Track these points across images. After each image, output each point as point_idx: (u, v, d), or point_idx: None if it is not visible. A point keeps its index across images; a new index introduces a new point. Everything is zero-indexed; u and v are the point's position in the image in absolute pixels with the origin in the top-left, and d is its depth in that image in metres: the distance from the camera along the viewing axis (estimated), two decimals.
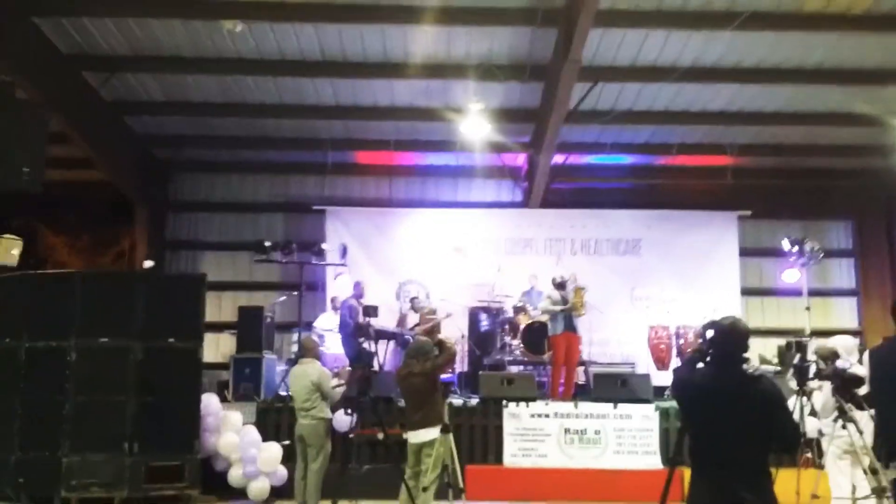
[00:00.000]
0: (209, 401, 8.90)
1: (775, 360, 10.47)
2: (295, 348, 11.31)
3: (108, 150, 11.88)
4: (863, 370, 6.44)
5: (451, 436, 5.82)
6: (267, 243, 11.45)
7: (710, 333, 3.87)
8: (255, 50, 10.00)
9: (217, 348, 12.36)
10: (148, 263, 10.99)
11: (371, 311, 9.84)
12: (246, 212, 13.57)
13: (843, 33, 9.35)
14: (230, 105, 11.45)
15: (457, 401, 9.37)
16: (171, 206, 13.65)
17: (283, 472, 8.43)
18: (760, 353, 10.89)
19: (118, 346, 8.32)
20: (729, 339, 3.77)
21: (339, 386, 7.38)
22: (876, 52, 9.69)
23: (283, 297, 11.89)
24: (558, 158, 12.24)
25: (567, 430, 9.13)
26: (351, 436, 6.59)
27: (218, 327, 12.15)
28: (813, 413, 6.86)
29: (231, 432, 8.69)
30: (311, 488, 7.11)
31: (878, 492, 5.18)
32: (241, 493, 8.48)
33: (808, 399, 6.60)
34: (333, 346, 11.16)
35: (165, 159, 13.35)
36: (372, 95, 11.19)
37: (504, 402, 9.20)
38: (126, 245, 15.16)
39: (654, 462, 9.04)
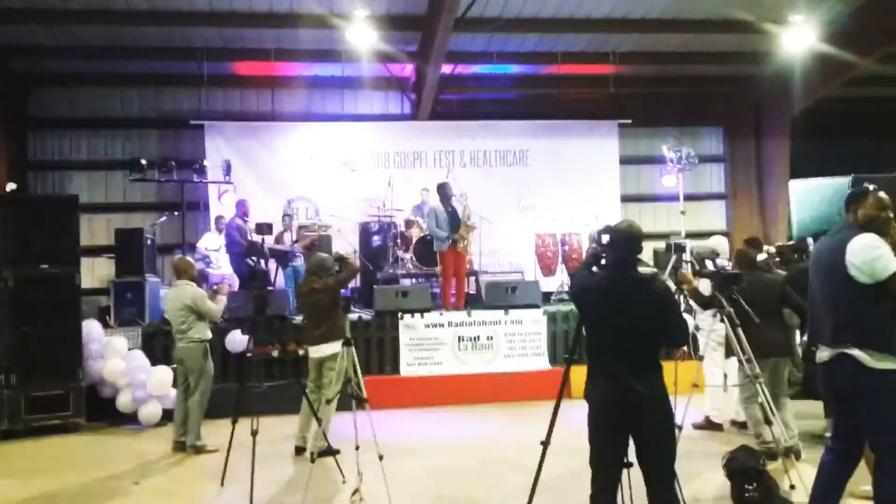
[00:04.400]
0: (90, 327, 8.61)
1: (651, 263, 11.03)
2: None
3: None
4: (734, 269, 6.91)
5: (353, 348, 5.84)
6: (143, 161, 10.84)
7: (605, 238, 4.00)
8: None
9: (93, 273, 11.82)
10: (10, 186, 10.17)
11: (264, 228, 9.58)
12: (116, 128, 12.73)
13: None
14: (92, 11, 10.49)
15: (352, 315, 9.37)
16: (32, 123, 12.61)
17: (174, 394, 8.25)
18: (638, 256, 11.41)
19: None
20: (624, 242, 3.91)
21: (218, 298, 7.24)
22: None
23: (164, 218, 11.39)
24: (446, 69, 12.06)
25: (461, 338, 9.38)
26: (248, 355, 6.52)
27: (93, 251, 11.59)
28: (688, 310, 7.31)
29: (116, 358, 8.42)
30: (192, 419, 7.00)
31: (750, 378, 5.64)
32: (132, 418, 8.29)
33: (684, 297, 6.97)
34: (221, 266, 10.88)
35: (22, 72, 12.23)
36: (248, 0, 10.55)
37: (399, 313, 9.31)
38: None
39: (543, 363, 9.48)
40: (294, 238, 10.82)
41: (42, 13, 10.44)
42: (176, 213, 11.33)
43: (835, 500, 4.10)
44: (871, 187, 4.09)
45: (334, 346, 6.35)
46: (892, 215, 4.07)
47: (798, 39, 10.70)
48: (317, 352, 6.60)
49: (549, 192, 12.73)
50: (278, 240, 10.92)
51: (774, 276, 6.42)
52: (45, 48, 11.57)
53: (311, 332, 6.71)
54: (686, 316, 7.51)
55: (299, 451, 6.73)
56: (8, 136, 12.10)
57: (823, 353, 4.05)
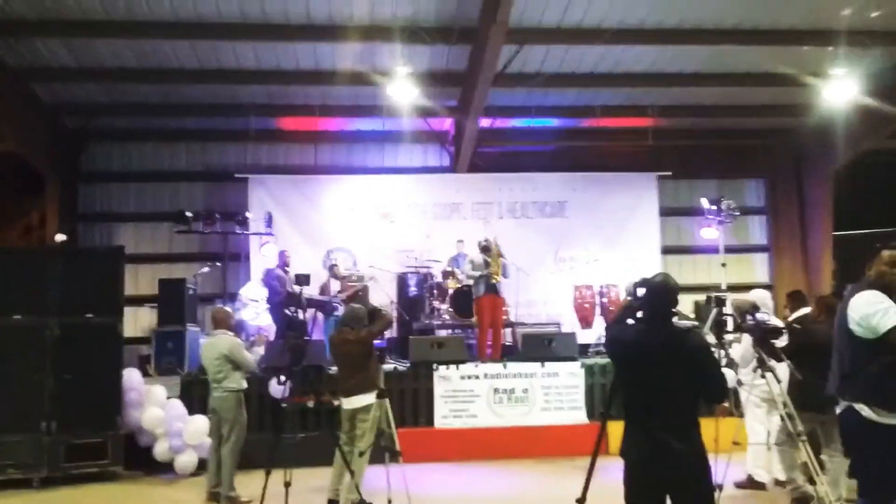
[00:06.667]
0: (131, 376, 8.72)
1: (692, 316, 10.85)
2: None
3: (14, 118, 11.24)
4: (778, 322, 6.75)
5: (387, 400, 5.82)
6: (188, 213, 11.19)
7: (641, 291, 3.95)
8: (171, 13, 9.58)
9: (136, 322, 12.02)
10: (60, 237, 10.53)
11: (303, 279, 9.71)
12: (164, 181, 13.10)
13: None
14: (145, 71, 10.97)
15: (387, 366, 9.36)
16: (84, 176, 13.06)
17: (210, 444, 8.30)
18: (677, 309, 11.23)
19: (33, 323, 8.09)
20: (660, 295, 3.86)
21: (254, 350, 7.32)
22: (792, 11, 9.93)
23: (206, 269, 11.60)
24: (485, 122, 12.23)
25: (496, 390, 9.28)
26: (283, 405, 6.53)
27: (137, 301, 11.82)
28: (729, 364, 7.13)
29: (155, 407, 8.51)
30: (226, 469, 6.98)
31: (792, 436, 5.46)
32: (168, 466, 8.33)
33: (726, 351, 6.83)
34: (259, 316, 10.99)
35: (77, 129, 12.74)
36: (294, 59, 10.90)
37: (434, 365, 9.27)
38: (35, 218, 14.47)
39: (580, 417, 9.31)
40: (339, 288, 10.95)
41: (97, 72, 10.94)
42: (218, 264, 11.57)
43: None
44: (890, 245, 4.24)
45: (367, 398, 6.34)
46: None
47: (840, 92, 10.60)
48: (349, 403, 6.57)
49: (587, 244, 12.67)
50: (323, 290, 11.06)
51: None
52: (99, 105, 12.08)
53: (343, 383, 6.71)
54: (727, 371, 7.36)
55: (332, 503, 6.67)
56: (61, 189, 12.53)
57: (837, 406, 4.16)
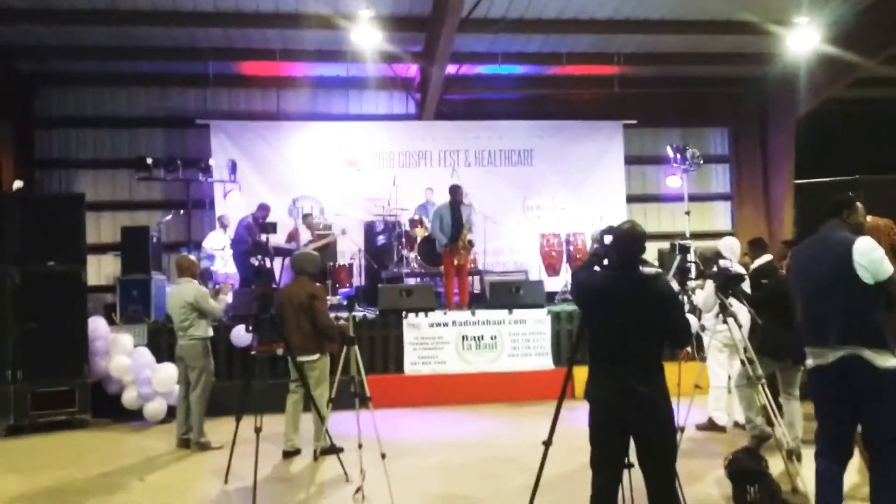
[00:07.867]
0: (96, 324, 8.66)
1: (656, 263, 11.03)
2: None
3: None
4: (741, 269, 6.91)
5: (356, 347, 5.85)
6: (148, 160, 10.97)
7: (608, 238, 4.01)
8: None
9: (100, 270, 11.86)
10: (17, 184, 10.23)
11: (270, 227, 9.63)
12: (122, 127, 12.77)
13: None
14: (98, 12, 10.51)
15: (356, 313, 9.39)
16: (38, 122, 12.66)
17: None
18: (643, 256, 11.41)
19: None
20: (627, 242, 3.92)
21: (220, 298, 7.33)
22: None
23: (170, 216, 11.43)
24: (450, 69, 12.06)
25: (465, 337, 9.41)
26: (253, 352, 6.54)
27: (99, 249, 11.65)
28: (692, 310, 7.31)
29: (122, 355, 8.49)
30: (195, 416, 7.05)
31: (752, 381, 5.64)
32: (137, 414, 8.36)
33: (689, 297, 6.98)
34: (224, 265, 10.92)
35: (29, 73, 12.28)
36: (254, 1, 10.58)
37: (403, 312, 9.34)
38: None
39: (547, 363, 9.50)
40: (310, 238, 10.88)
41: (47, 14, 10.45)
42: (181, 212, 11.41)
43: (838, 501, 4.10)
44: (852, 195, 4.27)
45: (309, 356, 6.51)
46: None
47: (803, 41, 10.66)
48: (295, 357, 6.55)
49: (553, 192, 12.72)
50: (291, 238, 10.97)
51: None
52: (51, 48, 11.61)
53: (290, 336, 6.53)
54: (690, 316, 7.55)
55: (287, 455, 6.71)
56: (15, 135, 12.16)
57: (827, 356, 4.04)
